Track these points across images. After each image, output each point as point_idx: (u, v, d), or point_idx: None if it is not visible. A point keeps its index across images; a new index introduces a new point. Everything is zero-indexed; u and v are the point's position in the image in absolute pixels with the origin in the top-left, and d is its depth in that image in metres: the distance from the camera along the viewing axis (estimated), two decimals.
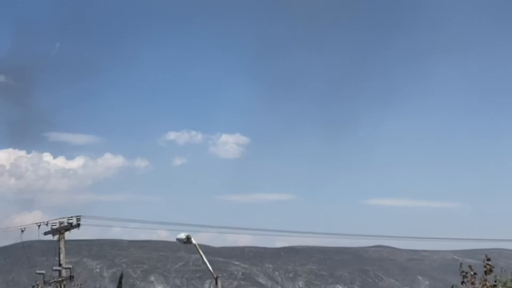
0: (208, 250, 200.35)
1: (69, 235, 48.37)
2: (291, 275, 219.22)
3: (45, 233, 48.13)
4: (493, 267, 20.13)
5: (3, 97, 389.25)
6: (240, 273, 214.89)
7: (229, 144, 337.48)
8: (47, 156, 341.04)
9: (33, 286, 49.22)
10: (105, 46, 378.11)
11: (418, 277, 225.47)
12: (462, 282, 20.19)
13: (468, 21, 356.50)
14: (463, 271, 20.15)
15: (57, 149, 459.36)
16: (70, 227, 47.39)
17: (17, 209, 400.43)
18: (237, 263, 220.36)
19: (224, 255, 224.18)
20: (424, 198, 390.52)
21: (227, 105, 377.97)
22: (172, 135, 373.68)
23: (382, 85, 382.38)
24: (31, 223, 48.11)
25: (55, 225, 47.62)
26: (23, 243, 50.54)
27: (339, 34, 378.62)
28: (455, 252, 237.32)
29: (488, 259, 20.08)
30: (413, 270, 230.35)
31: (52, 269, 47.79)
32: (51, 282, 47.57)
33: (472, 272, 20.10)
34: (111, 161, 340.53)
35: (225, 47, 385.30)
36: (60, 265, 47.61)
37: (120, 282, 71.23)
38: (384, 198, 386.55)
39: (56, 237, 47.99)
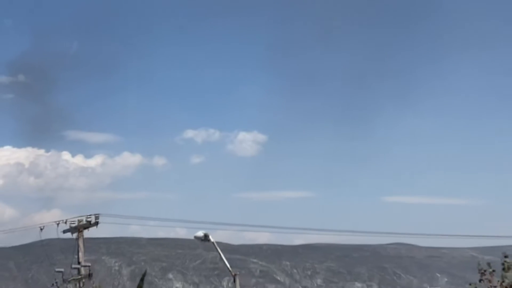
0: (226, 247, 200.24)
1: (87, 233, 48.63)
2: (309, 273, 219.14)
3: (64, 231, 48.37)
4: (511, 265, 20.07)
5: (22, 96, 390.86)
6: (258, 270, 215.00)
7: (247, 142, 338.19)
8: (65, 155, 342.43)
9: (52, 284, 49.33)
10: (122, 44, 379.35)
11: (437, 274, 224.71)
12: (480, 280, 20.16)
13: (488, 19, 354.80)
14: (481, 269, 20.14)
15: (76, 148, 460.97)
16: (88, 225, 47.64)
17: (36, 207, 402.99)
18: (255, 260, 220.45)
19: (242, 253, 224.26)
20: (442, 195, 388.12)
21: (245, 102, 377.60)
22: (189, 133, 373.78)
23: (400, 83, 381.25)
24: (50, 222, 48.42)
25: (73, 223, 47.88)
26: (42, 241, 50.80)
27: (356, 31, 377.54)
28: (473, 249, 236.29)
29: (506, 256, 20.05)
30: (431, 268, 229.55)
31: (71, 267, 48.00)
32: (70, 280, 47.77)
33: (490, 270, 20.07)
34: (129, 159, 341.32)
35: (243, 44, 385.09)
36: (79, 263, 47.84)
37: (142, 280, 71.22)
38: (403, 195, 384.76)
39: (75, 235, 48.23)
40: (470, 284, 20.93)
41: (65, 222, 48.12)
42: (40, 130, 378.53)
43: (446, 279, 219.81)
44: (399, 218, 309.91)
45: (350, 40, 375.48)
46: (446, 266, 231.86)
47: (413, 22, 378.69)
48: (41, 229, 48.03)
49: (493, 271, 20.14)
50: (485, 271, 20.18)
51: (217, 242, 35.85)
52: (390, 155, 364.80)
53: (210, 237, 35.27)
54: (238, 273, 36.56)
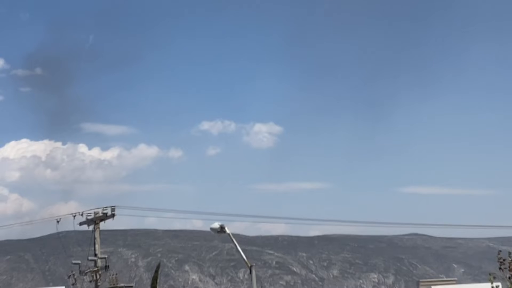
0: (242, 239, 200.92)
1: (104, 225, 48.68)
2: (325, 264, 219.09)
3: (80, 224, 48.44)
4: None
5: (39, 89, 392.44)
6: (274, 262, 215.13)
7: (263, 133, 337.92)
8: (82, 147, 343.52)
9: (69, 276, 49.47)
10: (138, 37, 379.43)
11: (453, 264, 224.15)
12: (500, 269, 20.02)
13: (507, 11, 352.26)
14: (500, 258, 19.99)
15: (92, 140, 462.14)
16: (105, 217, 47.67)
17: (52, 200, 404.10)
18: (271, 252, 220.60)
19: (258, 244, 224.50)
20: (458, 186, 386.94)
21: (260, 94, 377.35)
22: (205, 125, 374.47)
23: (419, 74, 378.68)
24: (66, 214, 48.50)
25: (90, 216, 47.93)
26: (58, 233, 50.92)
27: (374, 22, 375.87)
28: (490, 240, 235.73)
29: None
30: (448, 258, 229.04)
31: (88, 259, 48.08)
32: (87, 272, 47.88)
33: (510, 259, 19.91)
34: (146, 151, 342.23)
35: (258, 36, 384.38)
36: (95, 255, 47.91)
37: (156, 272, 71.46)
38: (419, 186, 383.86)
39: (91, 227, 48.30)
40: (490, 274, 20.78)
41: (82, 214, 48.18)
42: (57, 123, 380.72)
43: (462, 270, 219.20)
44: (415, 209, 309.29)
45: (368, 30, 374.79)
46: (462, 256, 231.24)
47: (432, 13, 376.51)
48: (58, 222, 48.09)
49: None
50: (504, 260, 20.04)
51: (233, 234, 35.79)
52: (407, 146, 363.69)
53: (226, 228, 35.19)
54: (254, 264, 36.45)
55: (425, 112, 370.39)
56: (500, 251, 20.36)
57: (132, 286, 52.50)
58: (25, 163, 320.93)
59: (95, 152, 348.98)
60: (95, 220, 47.91)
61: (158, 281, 63.44)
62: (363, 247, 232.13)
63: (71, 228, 48.75)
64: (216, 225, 35.37)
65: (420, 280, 66.44)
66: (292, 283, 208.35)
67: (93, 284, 48.23)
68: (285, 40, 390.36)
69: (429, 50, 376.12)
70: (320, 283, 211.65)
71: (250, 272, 35.67)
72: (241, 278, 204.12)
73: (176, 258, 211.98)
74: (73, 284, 49.41)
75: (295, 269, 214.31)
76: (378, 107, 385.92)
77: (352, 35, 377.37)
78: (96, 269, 47.76)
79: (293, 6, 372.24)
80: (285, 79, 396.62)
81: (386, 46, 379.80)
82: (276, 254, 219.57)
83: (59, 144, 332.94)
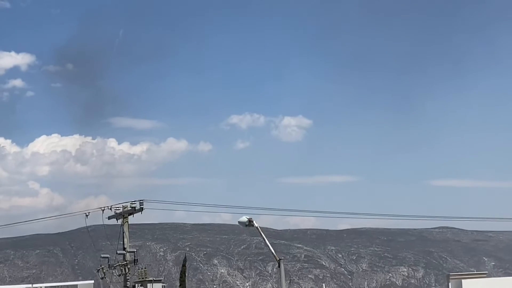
0: (270, 233, 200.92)
1: (133, 219, 48.76)
2: (354, 257, 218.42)
3: (109, 218, 48.62)
4: None
5: (70, 84, 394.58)
6: (302, 255, 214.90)
7: (292, 127, 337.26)
8: (112, 142, 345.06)
9: (98, 270, 49.69)
10: (166, 31, 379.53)
11: (484, 258, 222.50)
12: None
13: None
14: None
15: (122, 135, 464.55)
16: (133, 211, 47.75)
17: (82, 194, 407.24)
18: (299, 245, 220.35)
19: (286, 238, 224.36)
20: (489, 178, 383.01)
21: (290, 87, 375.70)
22: (234, 119, 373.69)
23: (450, 67, 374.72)
24: (95, 208, 48.62)
25: (118, 210, 48.03)
26: (88, 227, 51.00)
27: (405, 14, 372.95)
28: None
29: None
30: (478, 251, 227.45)
31: (117, 253, 48.27)
32: (116, 266, 48.03)
33: None
34: (175, 145, 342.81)
35: (288, 29, 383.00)
36: (124, 249, 48.04)
37: (184, 265, 71.54)
38: (449, 179, 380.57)
39: (120, 221, 48.41)
40: None
41: (110, 209, 48.32)
42: (87, 118, 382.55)
43: (493, 263, 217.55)
44: (445, 202, 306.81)
45: (399, 23, 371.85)
46: (493, 249, 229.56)
47: (465, 4, 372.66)
48: (87, 216, 48.19)
49: None
50: None
51: (262, 227, 35.66)
52: (437, 139, 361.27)
53: (255, 222, 35.09)
54: (282, 258, 36.28)
55: (456, 104, 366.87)
56: None
57: (161, 280, 52.50)
58: (55, 158, 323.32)
59: (125, 147, 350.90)
60: (123, 214, 48.04)
61: (186, 274, 63.47)
62: (393, 240, 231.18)
63: (100, 222, 48.90)
64: (245, 218, 35.30)
65: (450, 273, 65.72)
66: (321, 277, 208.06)
67: (122, 278, 48.35)
68: (315, 34, 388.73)
69: (461, 42, 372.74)
70: (349, 276, 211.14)
71: (279, 266, 35.52)
72: (270, 272, 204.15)
73: (205, 252, 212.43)
74: (102, 278, 49.57)
75: (324, 263, 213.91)
76: (408, 99, 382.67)
77: (383, 27, 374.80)
78: (125, 263, 47.89)
79: None
80: (315, 73, 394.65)
81: (417, 39, 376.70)
82: (305, 247, 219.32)
83: (89, 138, 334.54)
